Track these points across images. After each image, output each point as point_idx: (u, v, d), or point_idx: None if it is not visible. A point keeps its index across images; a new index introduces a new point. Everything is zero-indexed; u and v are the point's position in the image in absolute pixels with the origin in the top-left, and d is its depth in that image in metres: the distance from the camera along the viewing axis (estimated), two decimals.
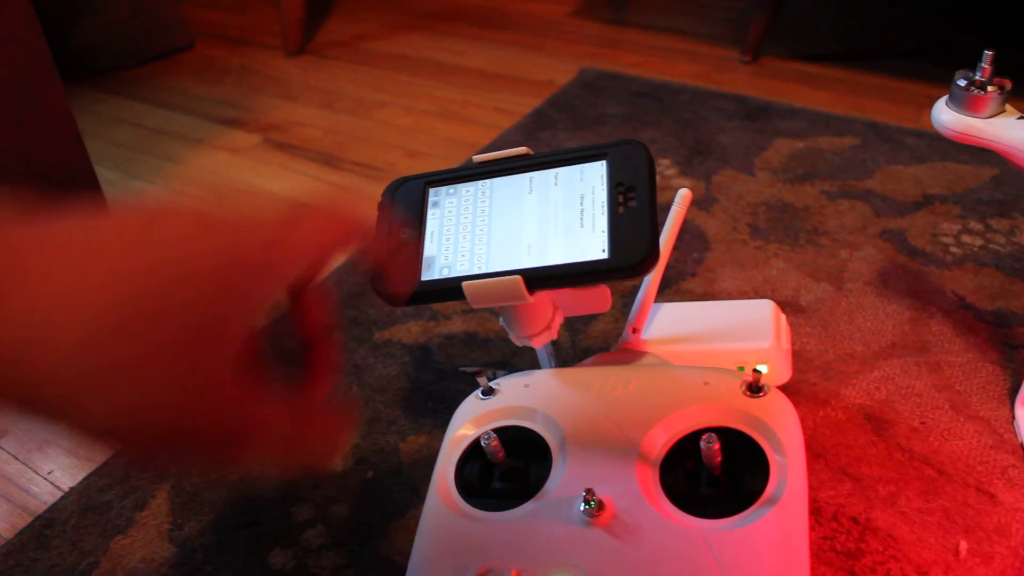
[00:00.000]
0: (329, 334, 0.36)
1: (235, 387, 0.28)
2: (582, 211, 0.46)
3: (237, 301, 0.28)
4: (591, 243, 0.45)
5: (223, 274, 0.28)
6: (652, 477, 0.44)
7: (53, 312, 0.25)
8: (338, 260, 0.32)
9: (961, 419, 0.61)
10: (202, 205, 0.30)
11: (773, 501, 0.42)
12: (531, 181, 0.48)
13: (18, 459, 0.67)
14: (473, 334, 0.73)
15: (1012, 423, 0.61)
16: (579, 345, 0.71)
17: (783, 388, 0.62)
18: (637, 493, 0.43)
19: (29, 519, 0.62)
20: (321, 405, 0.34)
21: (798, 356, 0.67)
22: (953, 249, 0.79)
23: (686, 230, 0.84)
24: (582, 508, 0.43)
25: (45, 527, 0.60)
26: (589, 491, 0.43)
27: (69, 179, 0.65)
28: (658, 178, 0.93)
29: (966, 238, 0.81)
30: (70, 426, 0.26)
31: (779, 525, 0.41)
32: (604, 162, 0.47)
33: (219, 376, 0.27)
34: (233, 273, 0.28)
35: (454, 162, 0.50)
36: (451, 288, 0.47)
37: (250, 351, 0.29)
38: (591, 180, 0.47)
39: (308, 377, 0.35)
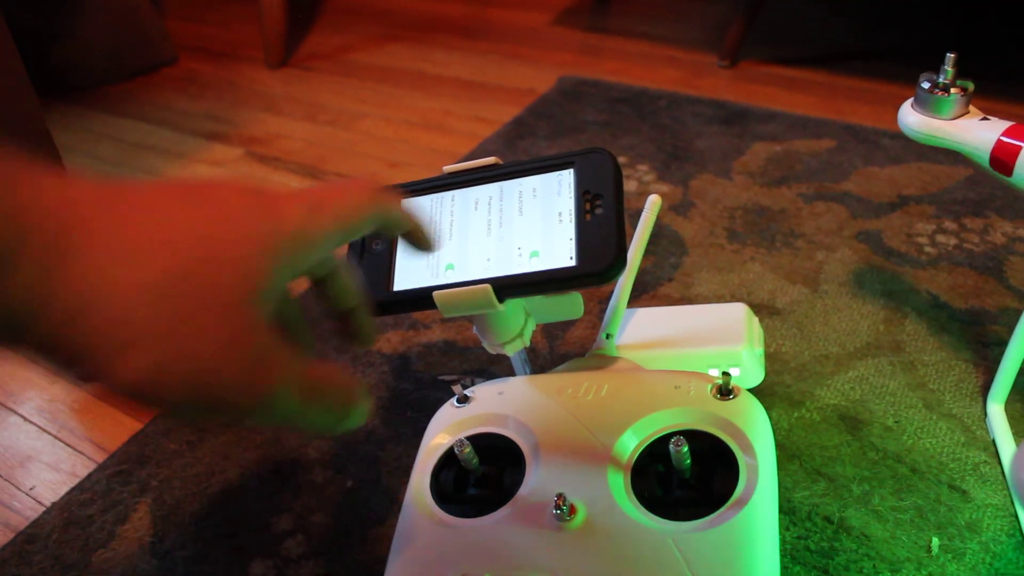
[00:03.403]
0: (359, 308, 0.40)
1: (265, 345, 0.30)
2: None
3: (275, 266, 0.31)
4: (559, 250, 0.46)
5: (264, 239, 0.30)
6: (623, 481, 0.45)
7: (113, 269, 0.27)
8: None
9: (934, 417, 0.62)
10: (243, 179, 0.33)
11: (742, 502, 0.43)
12: (500, 190, 0.49)
13: (0, 475, 0.67)
14: (452, 343, 0.74)
15: (984, 420, 0.61)
16: (557, 351, 0.72)
17: (758, 390, 0.63)
18: (608, 497, 0.44)
19: (11, 535, 0.62)
20: (333, 372, 0.34)
21: (774, 358, 0.68)
22: (928, 249, 0.80)
23: (663, 235, 0.85)
24: (554, 513, 0.43)
25: (27, 542, 0.61)
26: (560, 496, 0.43)
27: None
28: (636, 184, 0.94)
29: (941, 238, 0.82)
30: (107, 384, 0.28)
31: (748, 526, 0.42)
32: (571, 170, 0.48)
33: (252, 335, 0.30)
34: (273, 237, 0.31)
35: (434, 172, 0.51)
36: (422, 297, 0.47)
37: (280, 317, 0.32)
38: (559, 188, 0.47)
39: (345, 346, 0.39)
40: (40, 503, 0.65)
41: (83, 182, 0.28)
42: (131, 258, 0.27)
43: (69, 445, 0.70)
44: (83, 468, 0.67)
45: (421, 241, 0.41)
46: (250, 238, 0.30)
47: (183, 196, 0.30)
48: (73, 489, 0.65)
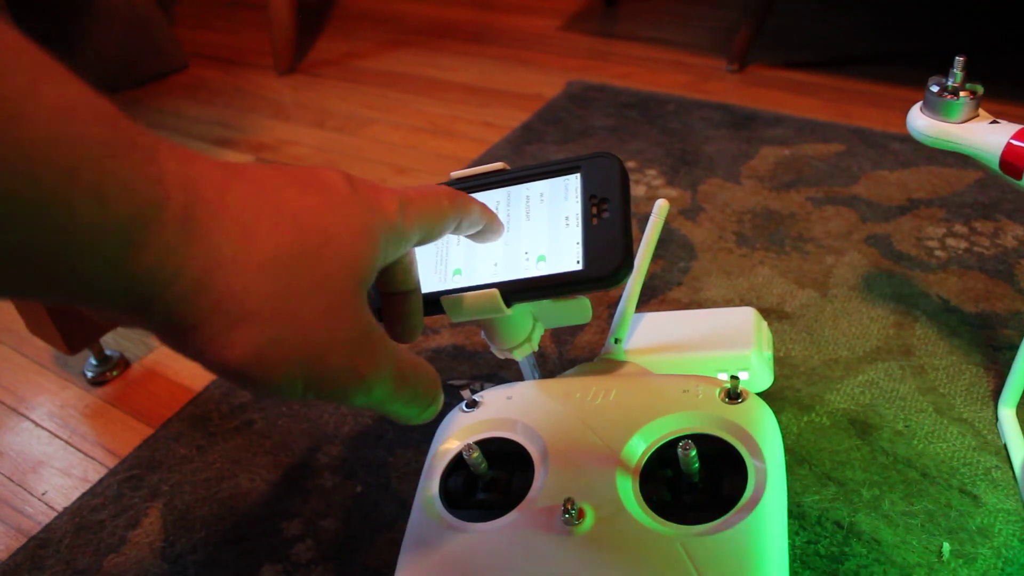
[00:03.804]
0: (414, 294, 0.42)
1: (370, 326, 0.32)
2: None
3: (377, 253, 0.32)
4: (566, 255, 0.46)
5: (368, 228, 0.32)
6: (631, 485, 0.45)
7: (239, 242, 0.28)
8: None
9: (945, 421, 0.62)
10: (337, 168, 0.34)
11: (751, 506, 0.43)
12: (507, 195, 0.49)
13: (12, 480, 0.68)
14: (461, 348, 0.74)
15: (995, 424, 0.61)
16: (566, 356, 0.72)
17: (768, 394, 0.63)
18: (616, 501, 0.44)
19: (23, 540, 0.62)
20: (420, 360, 0.37)
21: (783, 363, 0.68)
22: (938, 253, 0.80)
23: (672, 240, 0.85)
24: (562, 517, 0.43)
25: (39, 547, 0.61)
26: (568, 500, 0.43)
27: None
28: (645, 188, 0.94)
29: (951, 241, 0.81)
30: (215, 359, 0.28)
31: (757, 530, 0.42)
32: (578, 175, 0.48)
33: (360, 316, 0.31)
34: (376, 227, 0.32)
35: (442, 177, 0.51)
36: (430, 303, 0.47)
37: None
38: (565, 193, 0.47)
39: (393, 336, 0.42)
40: (52, 508, 0.65)
41: (202, 158, 0.28)
42: (252, 235, 0.28)
43: (80, 450, 0.70)
44: (94, 473, 0.67)
45: (494, 233, 0.44)
46: (357, 227, 0.31)
47: (293, 181, 0.31)
48: (85, 494, 0.65)
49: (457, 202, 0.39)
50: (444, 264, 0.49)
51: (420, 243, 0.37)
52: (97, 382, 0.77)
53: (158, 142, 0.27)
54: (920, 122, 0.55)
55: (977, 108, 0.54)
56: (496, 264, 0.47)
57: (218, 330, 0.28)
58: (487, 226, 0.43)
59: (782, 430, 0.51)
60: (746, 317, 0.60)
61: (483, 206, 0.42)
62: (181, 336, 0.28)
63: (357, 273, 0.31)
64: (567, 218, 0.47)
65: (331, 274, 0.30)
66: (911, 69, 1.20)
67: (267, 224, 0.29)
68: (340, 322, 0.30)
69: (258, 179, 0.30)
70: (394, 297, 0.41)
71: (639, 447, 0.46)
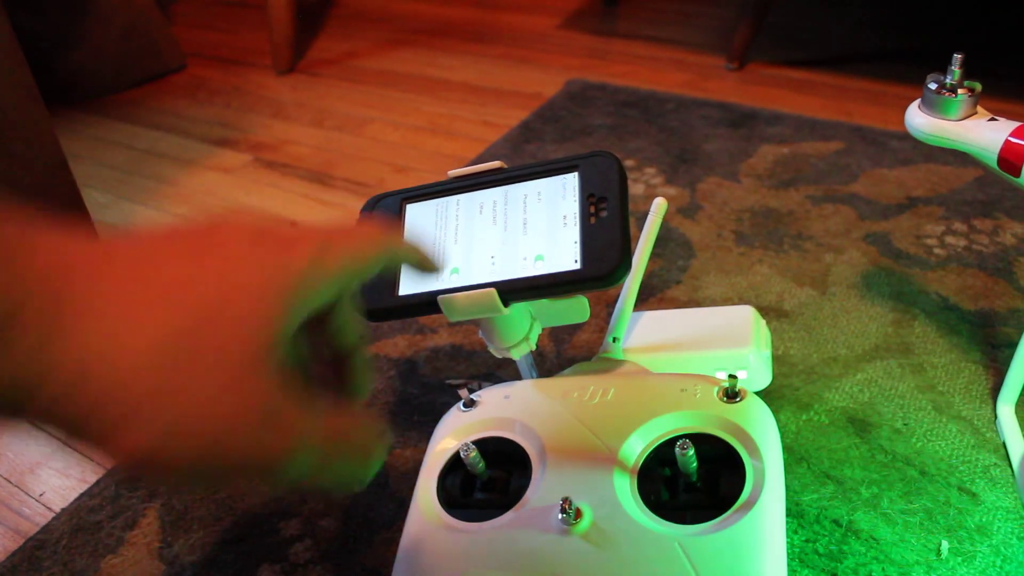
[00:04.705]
0: (359, 349, 0.38)
1: (278, 400, 0.29)
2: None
3: (283, 315, 0.29)
4: (564, 254, 0.46)
5: (270, 284, 0.29)
6: (629, 484, 0.45)
7: (114, 332, 0.26)
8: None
9: (944, 419, 0.62)
10: (254, 219, 0.31)
11: (749, 505, 0.43)
12: (505, 194, 0.49)
13: (10, 481, 0.68)
14: (459, 347, 0.74)
15: (994, 422, 0.61)
16: (564, 355, 0.72)
17: (766, 392, 0.63)
18: (614, 501, 0.44)
19: (21, 541, 0.62)
20: (352, 422, 0.33)
21: (782, 361, 0.68)
22: (937, 251, 0.80)
23: (671, 238, 0.85)
24: (560, 516, 0.43)
25: (37, 548, 0.61)
26: (566, 500, 0.43)
27: (55, 204, 0.65)
28: (644, 187, 0.94)
29: (950, 239, 0.81)
30: (111, 456, 0.26)
31: (755, 529, 0.42)
32: (576, 174, 0.48)
33: (264, 391, 0.28)
34: (281, 280, 0.29)
35: (441, 176, 0.51)
36: (427, 302, 0.47)
37: (287, 367, 0.30)
38: (563, 192, 0.47)
39: (338, 395, 0.37)
40: (50, 509, 0.65)
41: (78, 242, 0.27)
42: (130, 322, 0.26)
43: (78, 451, 0.70)
44: (92, 474, 0.67)
45: (426, 266, 0.40)
46: (256, 286, 0.29)
47: (182, 250, 0.29)
48: (82, 495, 0.65)
49: (383, 242, 0.35)
50: (446, 260, 0.49)
51: (348, 286, 0.33)
52: None
53: (25, 230, 0.25)
54: (918, 120, 0.55)
55: (975, 105, 0.54)
56: (494, 263, 0.47)
57: (107, 428, 0.26)
58: (419, 264, 0.39)
59: (780, 429, 0.51)
60: (744, 315, 0.60)
61: (413, 247, 0.39)
62: (73, 435, 0.26)
63: (259, 339, 0.28)
64: (565, 217, 0.46)
65: (226, 346, 0.27)
66: (910, 67, 1.20)
67: (147, 307, 0.27)
68: (242, 399, 0.27)
69: (140, 256, 0.28)
70: (336, 354, 0.38)
71: (637, 446, 0.46)
